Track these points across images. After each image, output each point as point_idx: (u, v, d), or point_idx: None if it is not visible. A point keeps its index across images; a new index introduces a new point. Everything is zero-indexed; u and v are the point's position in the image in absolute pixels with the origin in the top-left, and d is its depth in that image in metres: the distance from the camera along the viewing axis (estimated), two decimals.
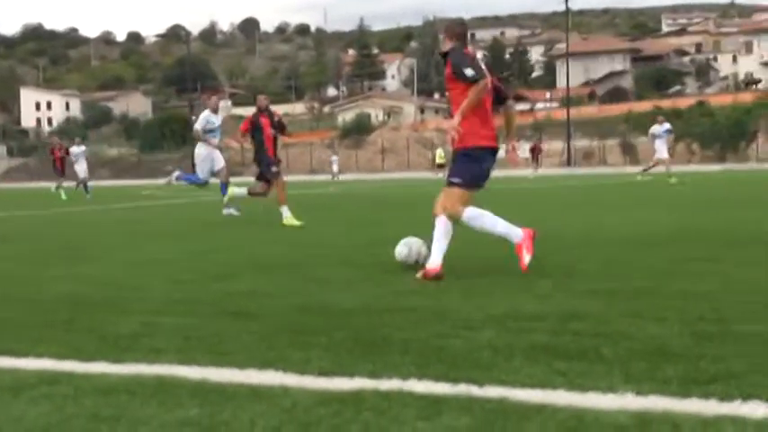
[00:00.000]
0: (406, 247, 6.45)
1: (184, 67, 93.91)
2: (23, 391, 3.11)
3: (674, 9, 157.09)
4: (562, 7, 68.91)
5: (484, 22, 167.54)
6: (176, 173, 15.16)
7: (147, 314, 4.67)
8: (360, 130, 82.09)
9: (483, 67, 6.14)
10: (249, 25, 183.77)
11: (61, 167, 29.25)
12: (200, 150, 14.73)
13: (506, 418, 2.63)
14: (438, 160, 51.03)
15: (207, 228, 11.95)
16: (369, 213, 15.09)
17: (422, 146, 76.57)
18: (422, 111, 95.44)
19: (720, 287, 5.01)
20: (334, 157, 56.89)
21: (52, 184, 29.91)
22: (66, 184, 28.85)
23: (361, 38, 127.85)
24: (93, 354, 3.70)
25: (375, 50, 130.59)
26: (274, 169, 12.35)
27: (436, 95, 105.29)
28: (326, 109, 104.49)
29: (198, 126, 14.69)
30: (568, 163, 64.44)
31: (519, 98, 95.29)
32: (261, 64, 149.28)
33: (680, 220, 10.73)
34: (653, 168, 26.60)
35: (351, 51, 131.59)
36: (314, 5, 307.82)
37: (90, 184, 29.33)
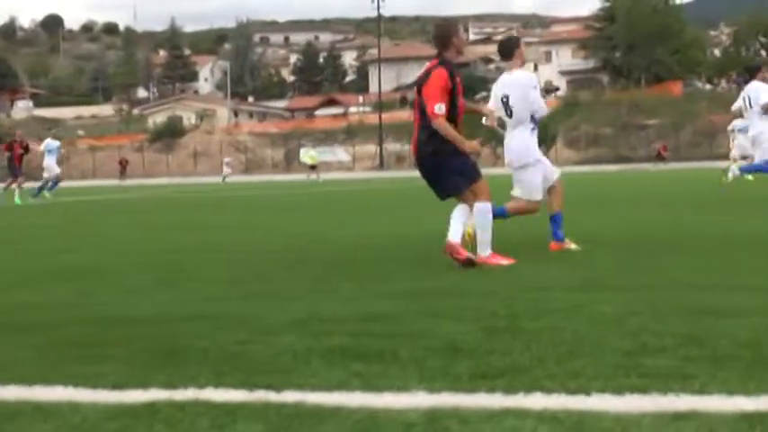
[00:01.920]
0: None
1: None
2: None
3: (481, 18, 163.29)
4: (374, 13, 70.18)
5: (297, 25, 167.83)
6: None
7: None
8: (171, 133, 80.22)
9: None
10: (52, 22, 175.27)
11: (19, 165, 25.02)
12: None
13: (301, 422, 2.64)
14: (309, 161, 49.70)
15: None
16: (170, 218, 14.78)
17: (235, 149, 75.71)
18: (236, 114, 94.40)
19: (512, 284, 5.25)
20: (227, 159, 55.37)
21: None
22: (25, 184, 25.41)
23: (172, 38, 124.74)
24: None
25: (187, 51, 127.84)
26: None
27: (250, 99, 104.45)
28: (136, 111, 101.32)
29: None
30: (381, 166, 65.64)
31: (332, 102, 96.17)
32: (65, 63, 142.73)
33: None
34: None
35: (162, 52, 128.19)
36: (122, 4, 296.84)
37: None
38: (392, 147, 69.61)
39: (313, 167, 47.80)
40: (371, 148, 69.28)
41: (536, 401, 2.76)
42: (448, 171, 6.50)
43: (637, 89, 76.85)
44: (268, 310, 4.64)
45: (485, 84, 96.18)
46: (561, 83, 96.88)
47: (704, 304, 4.35)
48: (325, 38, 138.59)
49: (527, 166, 7.33)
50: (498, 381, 3.03)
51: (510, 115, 7.31)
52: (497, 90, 7.45)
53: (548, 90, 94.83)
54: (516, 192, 7.53)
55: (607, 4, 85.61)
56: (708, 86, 79.02)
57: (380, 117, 67.90)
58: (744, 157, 24.17)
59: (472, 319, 4.15)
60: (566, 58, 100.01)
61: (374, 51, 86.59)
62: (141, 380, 3.21)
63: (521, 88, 7.20)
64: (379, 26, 76.93)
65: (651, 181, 27.98)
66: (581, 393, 2.82)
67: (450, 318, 4.22)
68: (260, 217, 14.61)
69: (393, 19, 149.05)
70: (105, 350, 3.76)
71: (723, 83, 78.96)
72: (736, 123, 23.72)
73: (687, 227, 9.19)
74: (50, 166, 25.79)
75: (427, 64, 6.66)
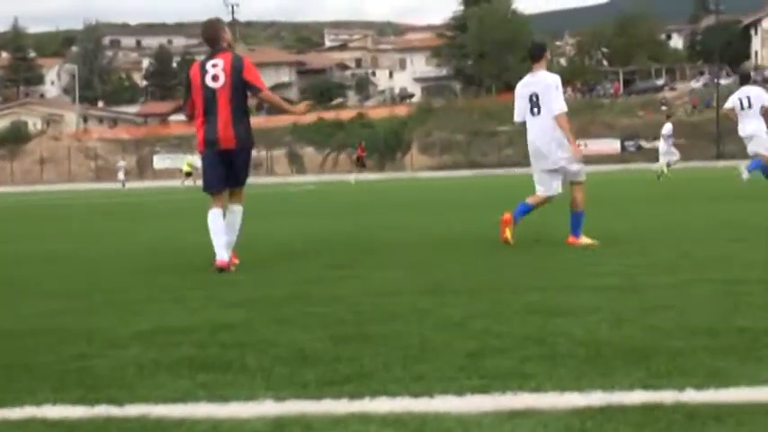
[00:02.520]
0: None
1: None
2: None
3: (336, 25, 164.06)
4: (229, 18, 69.39)
5: (150, 29, 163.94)
6: None
7: None
8: (15, 138, 76.78)
9: None
10: None
11: None
12: None
13: None
14: (186, 168, 47.95)
15: None
16: (16, 228, 14.16)
17: (84, 156, 73.19)
18: (84, 119, 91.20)
19: (361, 291, 5.31)
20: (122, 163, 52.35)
21: None
22: None
23: (15, 39, 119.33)
24: None
25: (32, 54, 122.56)
26: None
27: (100, 103, 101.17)
28: None
29: None
30: None
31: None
32: None
33: (330, 227, 11.25)
34: None
35: (4, 54, 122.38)
36: None
37: None
38: None
39: (189, 175, 46.47)
40: None
41: (381, 405, 2.80)
42: (248, 163, 7.01)
43: (488, 96, 79.10)
44: (112, 323, 4.51)
45: (341, 89, 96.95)
46: (416, 90, 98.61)
47: (544, 305, 4.53)
48: (179, 42, 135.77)
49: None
50: (345, 387, 3.06)
51: (538, 112, 7.90)
52: (523, 90, 8.06)
53: (402, 97, 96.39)
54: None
55: (459, 14, 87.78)
56: None
57: None
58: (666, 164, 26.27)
59: (320, 327, 4.17)
60: (420, 66, 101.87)
61: None
62: None
63: (549, 87, 7.88)
64: (234, 31, 76.03)
65: (504, 185, 28.83)
66: (425, 396, 2.88)
67: (299, 325, 4.22)
68: (106, 225, 14.19)
69: (248, 24, 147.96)
70: None
71: (569, 91, 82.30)
72: (666, 129, 27.61)
73: (533, 229, 9.51)
74: None
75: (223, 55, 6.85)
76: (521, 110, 8.11)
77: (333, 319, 4.34)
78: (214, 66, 6.72)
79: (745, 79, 16.01)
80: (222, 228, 6.68)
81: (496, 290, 5.14)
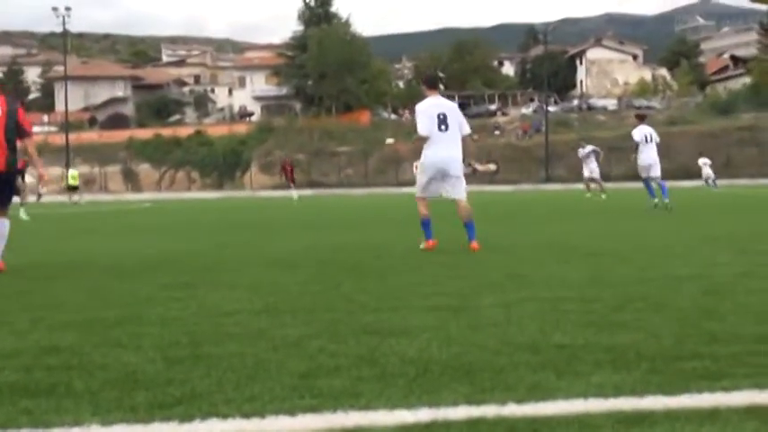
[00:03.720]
0: None
1: None
2: None
3: (174, 40, 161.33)
4: (60, 28, 66.69)
5: None
6: None
7: None
8: None
9: None
10: None
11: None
12: None
13: None
14: (71, 182, 44.86)
15: None
16: None
17: None
18: None
19: (196, 311, 5.25)
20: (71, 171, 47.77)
21: None
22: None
23: None
24: None
25: None
26: None
27: None
28: None
29: None
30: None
31: None
32: None
33: (166, 246, 11.03)
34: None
35: None
36: None
37: None
38: (81, 169, 66.47)
39: (75, 188, 43.80)
40: (58, 170, 65.72)
41: (212, 427, 2.80)
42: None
43: (328, 117, 79.70)
44: None
45: (179, 106, 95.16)
46: (255, 108, 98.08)
47: (379, 325, 4.62)
48: (5, 51, 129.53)
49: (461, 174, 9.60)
50: (175, 409, 3.03)
51: (446, 129, 9.41)
52: (431, 110, 9.46)
53: (242, 115, 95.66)
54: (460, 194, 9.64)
55: (299, 34, 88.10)
56: (393, 116, 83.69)
57: (67, 138, 64.61)
58: (592, 179, 28.39)
59: (153, 348, 4.09)
60: (260, 84, 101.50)
61: (60, 68, 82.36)
62: None
63: (455, 108, 9.66)
64: (65, 42, 73.29)
65: (344, 205, 29.09)
66: (256, 416, 2.90)
67: (131, 348, 4.13)
68: None
69: (81, 35, 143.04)
70: None
71: (407, 113, 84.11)
72: (586, 150, 31.11)
73: (369, 249, 9.66)
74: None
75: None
76: (426, 125, 9.43)
77: (166, 341, 4.27)
78: None
79: (642, 119, 19.65)
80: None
81: (333, 310, 5.20)
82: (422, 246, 9.51)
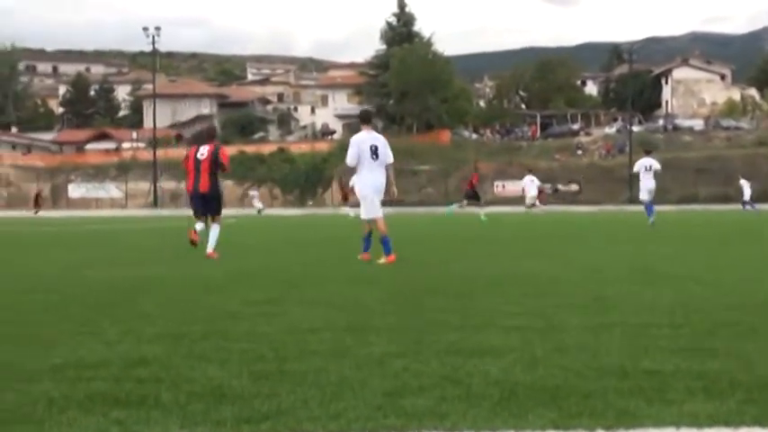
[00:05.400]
0: None
1: None
2: None
3: (259, 59, 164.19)
4: (150, 47, 68.47)
5: (68, 55, 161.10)
6: None
7: None
8: None
9: None
10: None
11: None
12: None
13: None
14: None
15: None
16: None
17: None
18: None
19: (280, 327, 5.29)
20: (255, 192, 51.60)
21: None
22: None
23: None
24: None
25: None
26: None
27: (14, 129, 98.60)
28: None
29: None
30: (155, 203, 63.96)
31: (104, 136, 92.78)
32: None
33: (249, 261, 11.18)
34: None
35: None
36: None
37: None
38: (167, 185, 68.07)
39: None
40: (145, 185, 67.38)
41: None
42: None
43: (409, 136, 79.83)
44: (23, 356, 4.39)
45: (263, 123, 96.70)
46: (337, 126, 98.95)
47: (462, 344, 4.59)
48: (97, 70, 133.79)
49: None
50: (262, 424, 3.05)
51: (377, 159, 11.02)
52: (363, 145, 11.04)
53: (324, 133, 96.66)
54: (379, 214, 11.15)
55: (381, 53, 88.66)
56: (474, 136, 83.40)
57: (155, 153, 66.22)
58: (533, 204, 31.81)
59: (239, 363, 4.14)
60: (342, 102, 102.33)
61: (149, 86, 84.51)
62: None
63: (383, 140, 11.37)
64: (154, 61, 75.26)
65: (424, 223, 29.06)
66: None
67: (217, 362, 4.18)
68: (15, 254, 13.81)
69: (169, 54, 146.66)
70: None
71: (488, 133, 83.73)
72: (530, 177, 39.14)
73: (451, 268, 9.62)
74: None
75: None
76: (355, 156, 11.04)
77: (252, 356, 4.32)
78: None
79: (647, 152, 24.55)
80: None
81: (416, 329, 5.18)
82: (359, 257, 11.06)
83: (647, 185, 22.40)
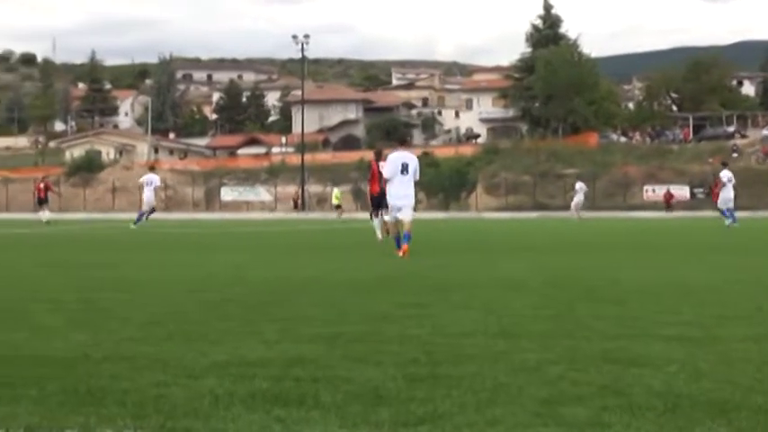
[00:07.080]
0: None
1: None
2: None
3: (403, 64, 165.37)
4: (299, 55, 70.27)
5: (221, 64, 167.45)
6: None
7: None
8: (89, 167, 78.72)
9: None
10: None
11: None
12: None
13: None
14: (335, 201, 53.21)
15: None
16: (85, 256, 14.46)
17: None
18: (156, 150, 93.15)
19: (432, 330, 5.29)
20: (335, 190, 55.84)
21: None
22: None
23: (92, 71, 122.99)
24: None
25: (107, 86, 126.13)
26: None
27: (171, 135, 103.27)
28: (53, 144, 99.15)
29: None
30: (303, 207, 65.48)
31: (255, 142, 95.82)
32: None
33: (394, 264, 11.27)
34: None
35: (81, 85, 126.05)
36: (41, 35, 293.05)
37: None
38: (314, 188, 69.61)
39: (338, 207, 51.27)
40: (293, 188, 69.11)
41: None
42: None
43: (554, 139, 78.60)
44: (188, 352, 4.57)
45: (408, 128, 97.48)
46: (482, 130, 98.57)
47: (619, 353, 4.46)
48: (249, 77, 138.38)
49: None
50: (419, 428, 3.06)
51: (406, 173, 13.14)
52: (397, 161, 13.18)
53: (468, 137, 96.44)
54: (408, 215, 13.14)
55: (527, 56, 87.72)
56: (622, 139, 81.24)
57: (303, 158, 67.86)
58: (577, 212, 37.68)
59: (393, 365, 4.17)
60: (486, 106, 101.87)
61: (297, 92, 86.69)
62: (57, 421, 3.13)
63: (414, 160, 13.45)
64: (303, 67, 77.13)
65: (571, 228, 28.54)
66: None
67: (372, 363, 4.22)
68: (179, 255, 14.41)
69: (317, 61, 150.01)
70: (16, 390, 3.66)
71: (637, 135, 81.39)
72: (578, 185, 43.45)
73: (605, 273, 9.40)
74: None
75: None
76: (392, 171, 13.15)
77: (405, 359, 4.34)
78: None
79: (725, 165, 28.50)
80: None
81: (570, 336, 5.08)
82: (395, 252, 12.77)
83: (730, 194, 25.46)
